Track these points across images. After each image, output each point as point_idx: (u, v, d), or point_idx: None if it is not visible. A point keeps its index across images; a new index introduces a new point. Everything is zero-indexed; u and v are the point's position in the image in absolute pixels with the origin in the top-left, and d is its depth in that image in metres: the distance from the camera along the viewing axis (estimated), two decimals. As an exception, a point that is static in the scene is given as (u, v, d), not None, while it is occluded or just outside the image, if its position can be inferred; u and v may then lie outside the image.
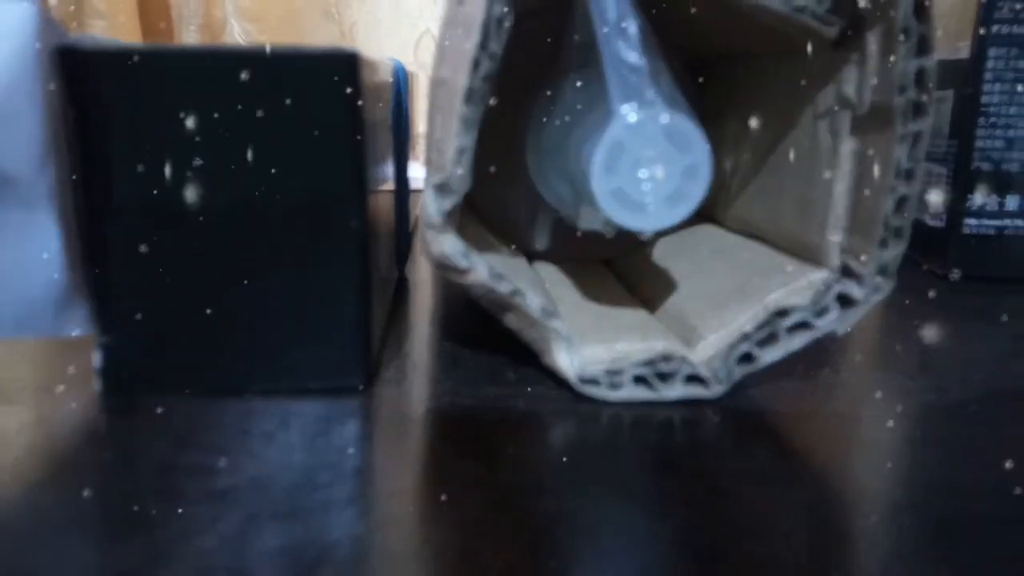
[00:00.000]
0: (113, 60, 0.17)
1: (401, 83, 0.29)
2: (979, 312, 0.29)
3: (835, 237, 0.20)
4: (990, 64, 0.31)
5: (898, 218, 0.19)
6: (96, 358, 0.19)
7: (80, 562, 0.13)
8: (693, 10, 0.22)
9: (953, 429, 0.19)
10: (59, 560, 0.13)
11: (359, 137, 0.18)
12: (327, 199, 0.18)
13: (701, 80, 0.28)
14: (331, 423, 0.18)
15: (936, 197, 0.32)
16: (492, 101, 0.18)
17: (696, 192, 0.19)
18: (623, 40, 0.18)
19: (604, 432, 0.18)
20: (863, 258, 0.19)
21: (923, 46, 0.18)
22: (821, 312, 0.20)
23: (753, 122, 0.24)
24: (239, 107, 0.18)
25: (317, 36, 0.56)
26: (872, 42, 0.19)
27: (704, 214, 0.27)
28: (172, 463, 0.16)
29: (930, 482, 0.16)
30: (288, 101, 0.18)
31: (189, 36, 0.55)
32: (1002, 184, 0.32)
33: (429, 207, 0.18)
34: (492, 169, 0.26)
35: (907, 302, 0.30)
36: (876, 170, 0.19)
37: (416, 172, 0.32)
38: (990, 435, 0.19)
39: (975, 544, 0.14)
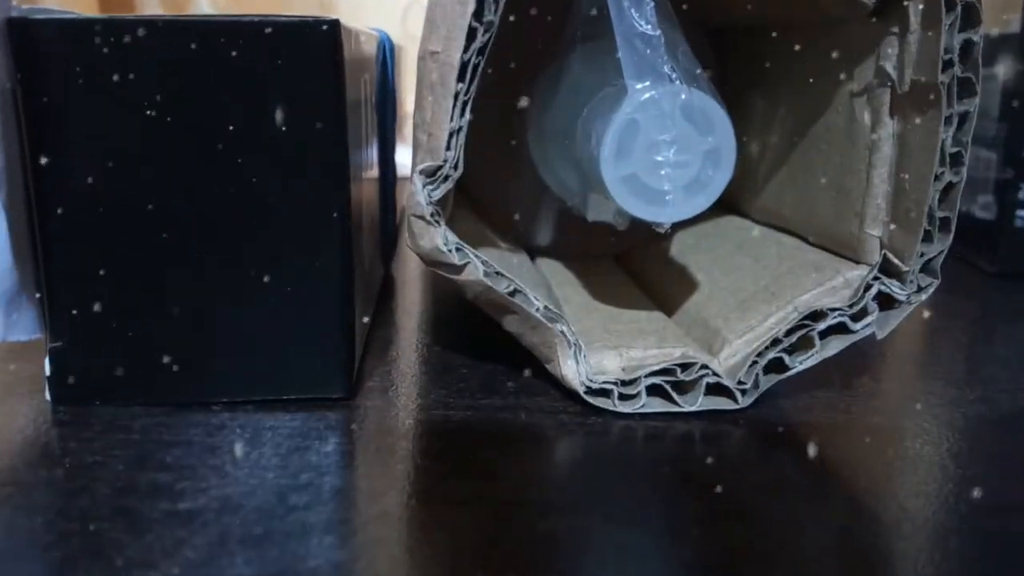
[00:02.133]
0: (67, 32, 0.17)
1: (387, 56, 0.29)
2: None
3: (874, 230, 0.20)
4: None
5: (944, 208, 0.18)
6: (46, 365, 0.19)
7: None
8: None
9: (1003, 443, 0.19)
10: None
11: (340, 117, 0.18)
12: (304, 186, 0.18)
13: (725, 55, 0.28)
14: (309, 438, 0.18)
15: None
16: (489, 76, 0.18)
17: (719, 179, 0.19)
18: (636, 9, 0.18)
19: (614, 448, 0.18)
20: (905, 253, 0.19)
21: (969, 18, 0.18)
22: (859, 314, 0.19)
23: (783, 101, 0.24)
24: (206, 85, 0.18)
25: (295, 5, 0.56)
26: (913, 13, 0.18)
27: (728, 204, 0.27)
28: (131, 481, 0.16)
29: (977, 501, 0.16)
30: (261, 76, 0.18)
31: (151, 7, 0.54)
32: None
33: (417, 195, 0.18)
34: (489, 154, 0.26)
35: (953, 302, 0.29)
36: (919, 155, 0.19)
37: (403, 156, 0.32)
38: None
39: (1007, 563, 0.14)
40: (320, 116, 0.18)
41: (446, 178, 0.18)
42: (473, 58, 0.18)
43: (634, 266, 0.28)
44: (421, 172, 0.19)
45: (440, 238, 0.19)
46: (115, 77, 0.18)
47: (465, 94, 0.18)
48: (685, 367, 0.20)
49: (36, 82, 0.17)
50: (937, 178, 0.18)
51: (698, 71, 0.19)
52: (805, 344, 0.20)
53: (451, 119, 0.18)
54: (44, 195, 0.18)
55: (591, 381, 0.20)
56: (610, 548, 0.15)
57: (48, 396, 0.19)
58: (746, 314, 0.21)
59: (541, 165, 0.25)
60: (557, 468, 0.17)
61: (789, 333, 0.20)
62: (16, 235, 0.18)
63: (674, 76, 0.18)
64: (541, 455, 0.18)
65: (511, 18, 0.19)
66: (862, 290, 0.19)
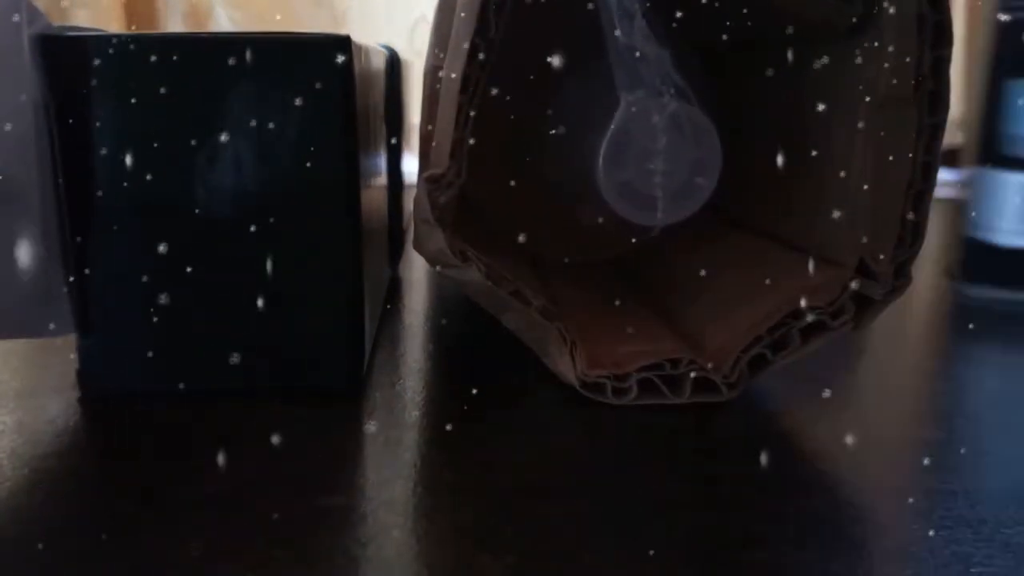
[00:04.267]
0: (96, 48, 0.17)
1: (395, 71, 0.28)
2: (1004, 316, 0.29)
3: (852, 235, 0.20)
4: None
5: (916, 215, 0.18)
6: (77, 359, 0.19)
7: (63, 571, 0.13)
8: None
9: (971, 432, 0.19)
10: (42, 568, 0.13)
11: (351, 127, 0.18)
12: (317, 192, 0.18)
13: (714, 69, 0.28)
14: (322, 428, 0.18)
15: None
16: (492, 91, 0.18)
17: (706, 186, 0.19)
18: (630, 27, 0.18)
19: (607, 438, 0.18)
20: (881, 256, 0.19)
21: (940, 36, 0.18)
22: (837, 312, 0.19)
23: (768, 113, 0.24)
24: (224, 97, 0.18)
25: (308, 23, 0.55)
26: (888, 31, 0.18)
27: (715, 210, 0.27)
28: (156, 468, 0.16)
29: (947, 487, 0.16)
30: (276, 90, 0.18)
31: (174, 24, 0.54)
32: None
33: (423, 202, 0.18)
34: (491, 163, 0.26)
35: (926, 303, 0.29)
36: (893, 165, 0.19)
37: (410, 165, 0.32)
38: (1009, 440, 0.18)
39: (991, 553, 0.14)
40: (332, 126, 0.18)
41: (450, 185, 0.18)
42: (475, 73, 0.18)
43: (627, 269, 0.28)
44: (427, 179, 0.18)
45: (445, 241, 0.19)
46: (140, 89, 0.17)
47: (468, 106, 0.18)
48: (674, 363, 0.20)
49: (67, 94, 0.17)
50: (910, 186, 0.18)
51: (687, 85, 0.19)
52: (787, 341, 0.20)
53: (455, 130, 0.18)
54: (75, 201, 0.18)
55: (586, 376, 0.20)
56: (602, 531, 0.14)
57: (78, 388, 0.19)
58: (732, 313, 0.21)
59: (540, 174, 0.25)
60: (554, 457, 0.17)
61: (772, 330, 0.20)
62: (48, 239, 0.17)
63: (664, 89, 0.18)
64: (539, 444, 0.18)
65: (516, 29, 0.19)
66: (840, 290, 0.19)
